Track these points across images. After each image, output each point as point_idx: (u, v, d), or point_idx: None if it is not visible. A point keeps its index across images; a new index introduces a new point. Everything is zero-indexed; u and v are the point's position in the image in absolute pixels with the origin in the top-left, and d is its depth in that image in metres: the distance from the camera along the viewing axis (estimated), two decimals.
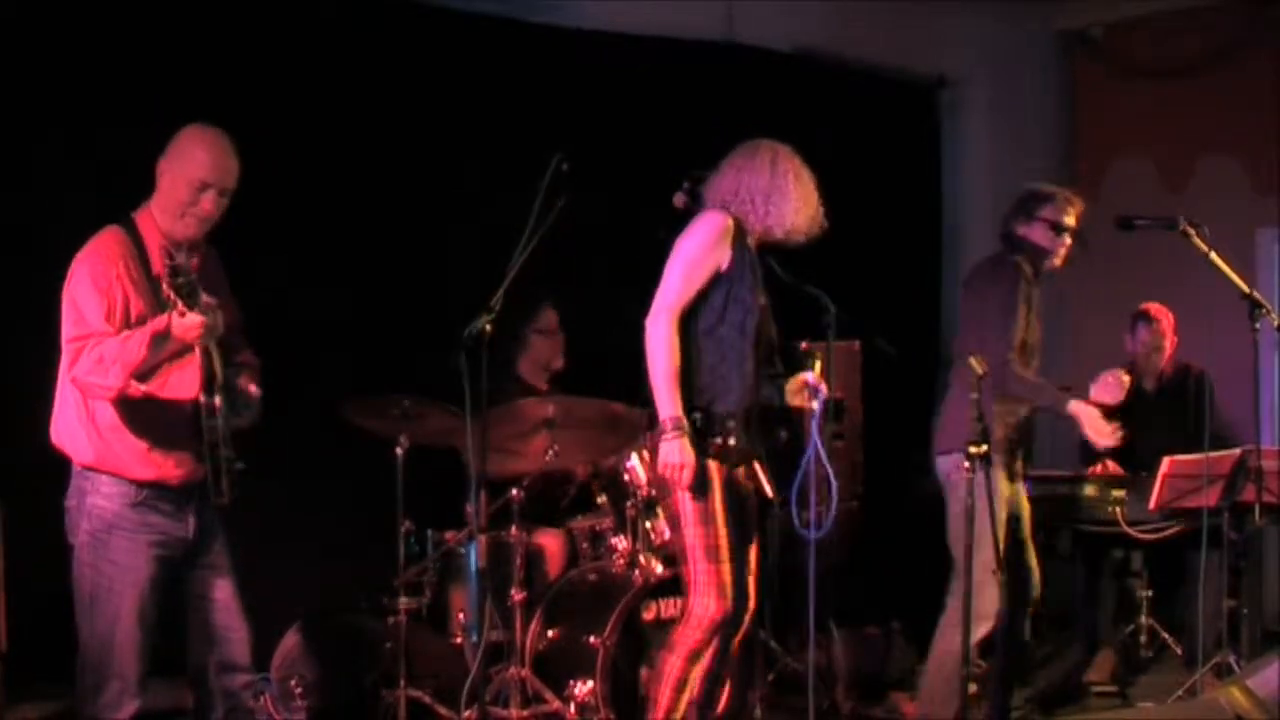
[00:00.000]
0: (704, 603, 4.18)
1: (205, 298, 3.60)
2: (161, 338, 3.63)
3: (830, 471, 4.27)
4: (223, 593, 4.01)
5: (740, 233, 4.27)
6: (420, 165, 6.11)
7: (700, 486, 4.18)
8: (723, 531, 4.19)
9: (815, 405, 4.28)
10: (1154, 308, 6.42)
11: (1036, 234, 5.05)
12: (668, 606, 5.09)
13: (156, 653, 3.92)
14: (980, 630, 4.73)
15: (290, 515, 5.46)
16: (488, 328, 4.14)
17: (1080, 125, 8.51)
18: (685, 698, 4.23)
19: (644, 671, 4.95)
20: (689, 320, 4.24)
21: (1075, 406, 4.96)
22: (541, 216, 4.16)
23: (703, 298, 4.23)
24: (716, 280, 4.23)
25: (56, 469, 4.00)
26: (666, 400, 4.15)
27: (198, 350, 3.78)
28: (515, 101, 6.30)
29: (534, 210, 4.15)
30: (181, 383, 3.82)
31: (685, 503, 4.20)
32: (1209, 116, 7.83)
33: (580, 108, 6.35)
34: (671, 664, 4.21)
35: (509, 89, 6.33)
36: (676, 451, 4.14)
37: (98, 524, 3.82)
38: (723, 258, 4.23)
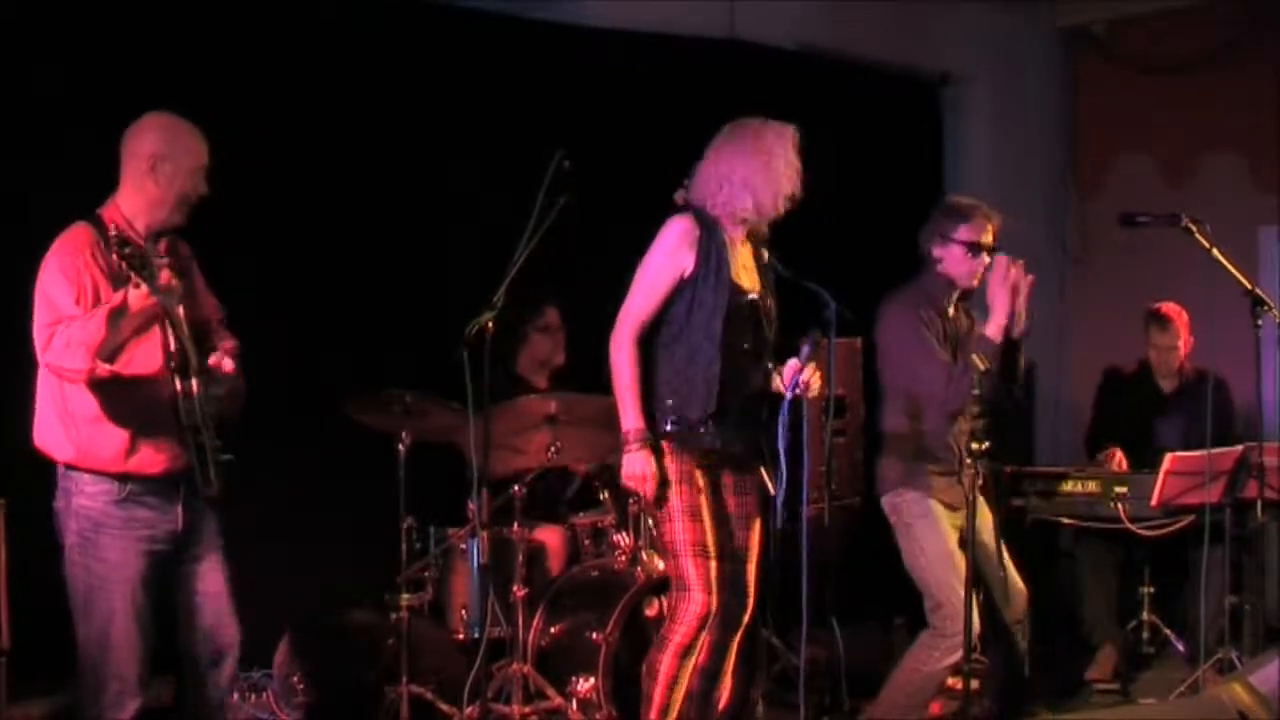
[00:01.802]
0: (691, 598, 4.19)
1: (164, 272, 3.59)
2: (118, 313, 3.62)
3: (782, 463, 4.19)
4: (213, 585, 4.00)
5: (708, 231, 4.23)
6: (421, 162, 6.11)
7: (685, 485, 4.18)
8: (709, 528, 4.19)
9: (788, 392, 4.16)
10: (1168, 307, 6.35)
11: (952, 256, 4.89)
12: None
13: (156, 650, 3.92)
14: (953, 657, 4.69)
15: (292, 512, 5.46)
16: (490, 324, 4.14)
17: (1082, 122, 8.51)
18: (679, 694, 4.23)
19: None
20: (659, 328, 4.24)
21: (989, 325, 4.73)
22: (543, 214, 4.16)
23: (669, 305, 4.23)
24: (681, 287, 4.22)
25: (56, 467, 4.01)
26: (628, 413, 4.20)
27: (159, 326, 3.78)
28: (516, 99, 6.30)
29: (535, 207, 4.16)
30: (145, 358, 3.80)
31: (673, 500, 4.21)
32: (1211, 114, 7.83)
33: (581, 105, 6.35)
34: (663, 662, 4.22)
35: (510, 86, 6.32)
36: (638, 463, 4.18)
37: (85, 524, 3.82)
38: (685, 263, 4.21)
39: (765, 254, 4.37)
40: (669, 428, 4.22)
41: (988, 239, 4.89)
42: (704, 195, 4.28)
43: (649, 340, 4.26)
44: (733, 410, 4.24)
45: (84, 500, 3.82)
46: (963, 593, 4.51)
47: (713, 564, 4.19)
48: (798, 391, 4.17)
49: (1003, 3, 8.06)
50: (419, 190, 6.08)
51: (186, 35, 5.50)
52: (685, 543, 4.19)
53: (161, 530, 3.89)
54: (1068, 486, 5.98)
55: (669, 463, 4.22)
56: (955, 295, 4.96)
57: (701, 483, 4.22)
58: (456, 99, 6.21)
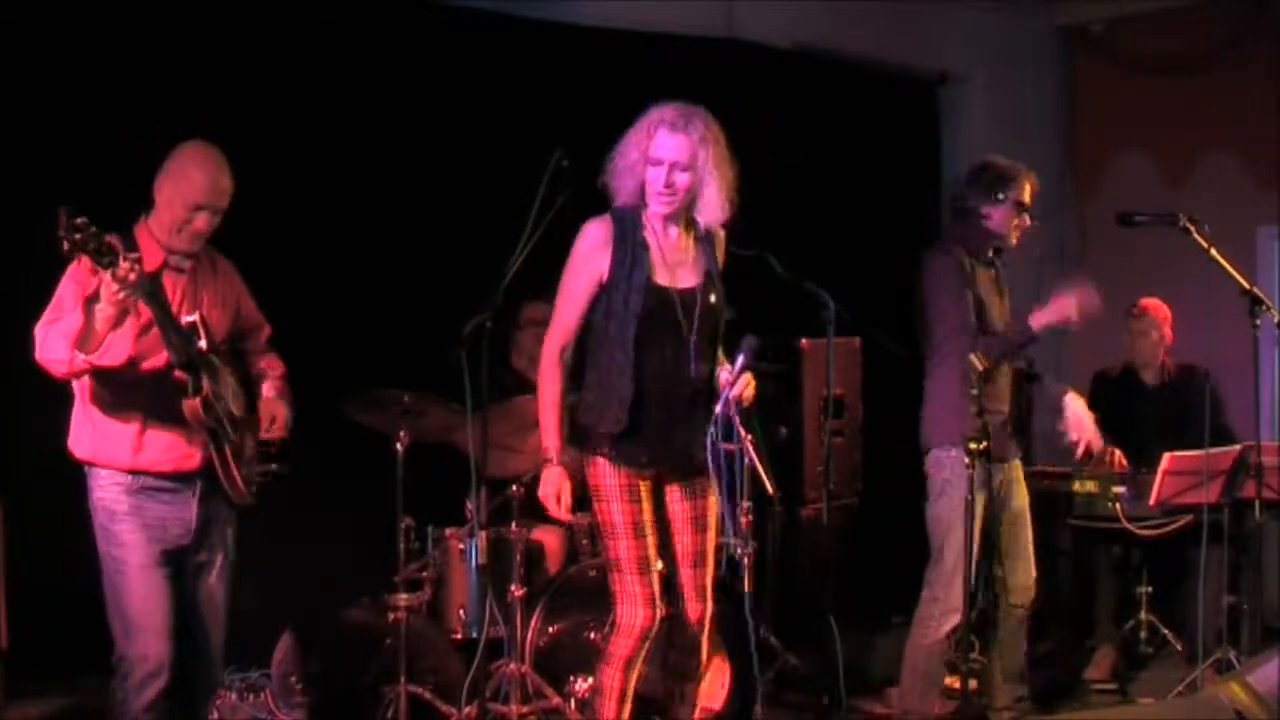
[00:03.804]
0: (631, 612, 4.10)
1: (124, 263, 3.60)
2: (91, 301, 3.70)
3: (722, 470, 4.03)
4: (210, 590, 4.13)
5: (624, 230, 4.08)
6: (420, 160, 6.11)
7: (625, 500, 4.08)
8: (651, 542, 4.10)
9: (717, 407, 3.97)
10: (1147, 302, 6.39)
11: (999, 214, 5.01)
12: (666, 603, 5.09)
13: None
14: (949, 622, 4.78)
15: (290, 512, 5.44)
16: (488, 324, 4.14)
17: (1080, 121, 8.52)
18: (628, 708, 4.16)
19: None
20: (585, 337, 4.14)
21: (1039, 315, 4.87)
22: (542, 213, 4.16)
23: (593, 311, 4.10)
24: (598, 294, 4.08)
25: (56, 467, 4.05)
26: (547, 432, 4.10)
27: (157, 325, 3.84)
28: (514, 98, 6.30)
29: (534, 207, 4.15)
30: (119, 348, 3.87)
31: (605, 516, 4.11)
32: (1209, 113, 7.84)
33: (580, 105, 6.34)
34: (610, 676, 4.13)
35: (509, 86, 6.33)
36: (547, 482, 4.10)
37: (104, 515, 3.97)
38: (601, 268, 4.07)
39: (718, 240, 4.19)
40: (594, 440, 4.11)
41: (1026, 197, 5.04)
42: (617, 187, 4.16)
43: (583, 349, 4.15)
44: (654, 421, 4.08)
45: (100, 493, 3.98)
46: (968, 562, 4.55)
47: (655, 578, 4.11)
48: (727, 406, 3.97)
49: (1001, 2, 8.06)
50: (419, 189, 6.07)
51: (183, 37, 5.51)
52: (628, 559, 4.08)
53: (172, 524, 4.02)
54: (1065, 485, 5.98)
55: (608, 476, 4.10)
56: (991, 250, 5.07)
57: (642, 494, 4.10)
58: (456, 99, 6.22)
